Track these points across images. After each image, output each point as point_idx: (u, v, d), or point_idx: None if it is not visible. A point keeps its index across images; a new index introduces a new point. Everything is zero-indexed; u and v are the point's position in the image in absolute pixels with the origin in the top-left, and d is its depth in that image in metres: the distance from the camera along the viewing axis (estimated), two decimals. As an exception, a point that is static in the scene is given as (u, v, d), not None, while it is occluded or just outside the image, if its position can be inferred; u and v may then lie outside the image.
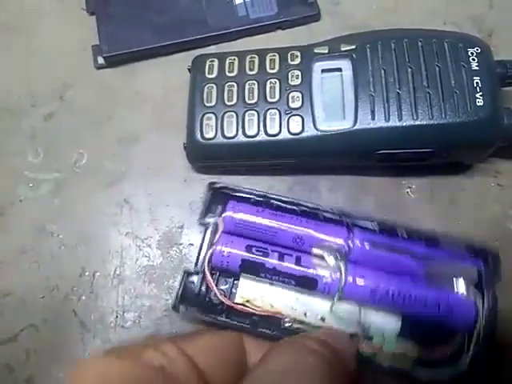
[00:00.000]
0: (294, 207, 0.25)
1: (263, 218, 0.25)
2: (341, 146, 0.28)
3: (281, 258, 0.24)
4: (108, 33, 0.33)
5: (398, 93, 0.27)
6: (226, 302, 0.24)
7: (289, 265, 0.24)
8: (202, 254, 0.25)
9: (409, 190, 0.30)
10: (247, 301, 0.24)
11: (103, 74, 0.33)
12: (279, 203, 0.25)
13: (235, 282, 0.25)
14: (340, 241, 0.24)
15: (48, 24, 0.35)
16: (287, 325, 0.23)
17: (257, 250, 0.24)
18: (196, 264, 0.25)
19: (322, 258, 0.24)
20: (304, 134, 0.28)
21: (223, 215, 0.25)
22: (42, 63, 0.34)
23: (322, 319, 0.24)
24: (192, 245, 0.29)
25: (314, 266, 0.24)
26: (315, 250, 0.24)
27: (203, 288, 0.25)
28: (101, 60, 0.33)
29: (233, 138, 0.28)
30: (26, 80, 0.33)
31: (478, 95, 0.26)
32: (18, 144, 0.32)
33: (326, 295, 0.24)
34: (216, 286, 0.24)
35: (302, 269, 0.24)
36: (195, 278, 0.24)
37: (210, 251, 0.24)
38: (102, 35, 0.33)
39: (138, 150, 0.31)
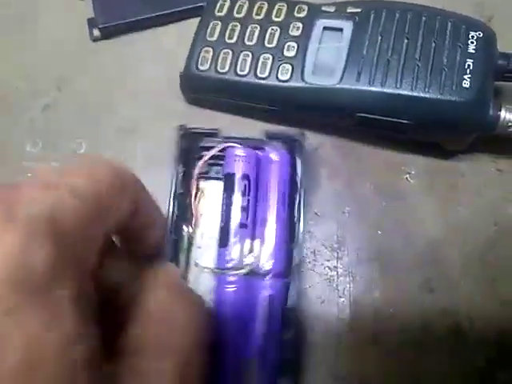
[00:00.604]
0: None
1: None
2: (323, 101, 0.28)
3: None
4: (103, 4, 0.34)
5: (388, 60, 0.27)
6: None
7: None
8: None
9: (408, 175, 0.30)
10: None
11: (102, 64, 0.34)
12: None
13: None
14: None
15: (46, 13, 0.36)
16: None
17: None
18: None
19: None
20: (290, 83, 0.29)
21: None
22: (40, 53, 0.34)
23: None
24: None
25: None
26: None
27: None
28: (96, 32, 0.34)
29: (224, 73, 0.30)
30: (24, 70, 0.34)
31: (465, 77, 0.26)
32: (16, 134, 0.32)
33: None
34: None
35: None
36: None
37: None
38: (96, 7, 0.34)
39: (137, 139, 0.31)
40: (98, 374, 0.15)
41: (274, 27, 0.30)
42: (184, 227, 0.25)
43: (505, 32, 0.29)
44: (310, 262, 0.28)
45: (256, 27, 0.30)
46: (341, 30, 0.29)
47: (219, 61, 0.30)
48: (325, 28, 0.30)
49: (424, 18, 0.28)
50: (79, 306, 0.15)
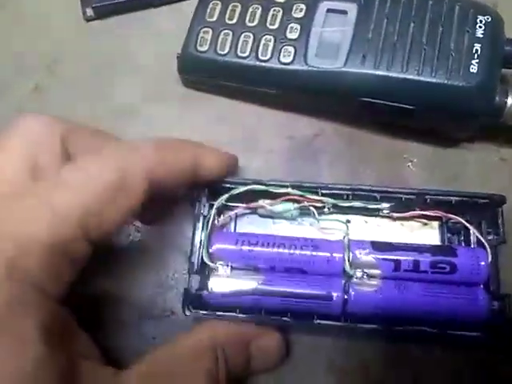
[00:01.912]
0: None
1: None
2: (326, 85, 0.27)
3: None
4: (97, -17, 0.33)
5: (395, 44, 0.26)
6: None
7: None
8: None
9: (410, 163, 0.29)
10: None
11: (95, 45, 0.33)
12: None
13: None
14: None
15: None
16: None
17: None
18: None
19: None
20: (293, 66, 0.28)
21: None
22: (29, 33, 0.33)
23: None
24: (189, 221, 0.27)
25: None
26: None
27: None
28: (90, 12, 0.33)
29: (223, 55, 0.29)
30: (11, 50, 0.33)
31: (473, 62, 0.26)
32: (2, 117, 0.29)
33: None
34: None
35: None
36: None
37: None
38: (90, -14, 0.33)
39: (133, 122, 0.30)
40: None
41: (276, 8, 0.29)
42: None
43: (510, 18, 0.28)
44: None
45: (258, 8, 0.29)
46: (345, 12, 0.28)
47: (219, 42, 0.29)
48: (328, 10, 0.28)
49: (431, 2, 0.27)
50: (47, 332, 0.16)
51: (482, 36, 0.26)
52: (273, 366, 0.24)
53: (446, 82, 0.26)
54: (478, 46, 0.26)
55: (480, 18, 0.27)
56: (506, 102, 0.26)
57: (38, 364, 0.16)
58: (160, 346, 0.22)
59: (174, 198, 0.27)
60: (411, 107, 0.26)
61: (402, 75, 0.26)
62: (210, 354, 0.21)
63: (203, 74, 0.30)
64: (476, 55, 0.26)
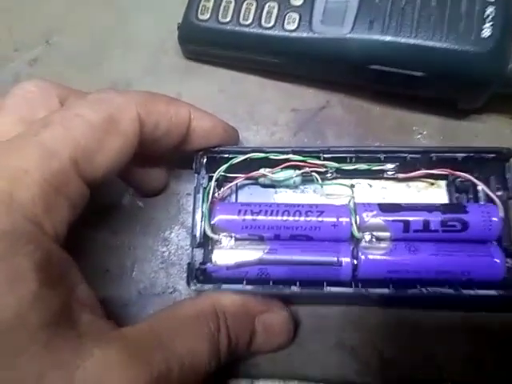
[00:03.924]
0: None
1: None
2: (333, 53, 0.26)
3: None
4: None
5: (403, 7, 0.25)
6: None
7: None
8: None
9: (420, 136, 0.28)
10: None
11: (93, 15, 0.32)
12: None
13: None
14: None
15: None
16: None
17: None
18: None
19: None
20: (297, 33, 0.27)
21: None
22: (26, 6, 0.32)
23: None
24: (189, 194, 0.27)
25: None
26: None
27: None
28: None
29: (226, 23, 0.28)
30: (8, 24, 0.32)
31: (485, 26, 0.25)
32: (1, 88, 0.29)
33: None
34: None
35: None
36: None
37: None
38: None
39: None
40: (57, 335, 0.16)
41: (278, -26, 0.28)
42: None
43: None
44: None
45: (259, -26, 0.28)
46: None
47: (221, 10, 0.28)
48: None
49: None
50: (42, 271, 0.16)
51: (493, 0, 0.25)
52: (277, 346, 0.23)
53: (456, 47, 0.24)
54: (489, 10, 0.25)
55: (490, -22, 0.26)
56: (519, 70, 0.25)
57: (28, 304, 0.15)
58: (163, 308, 0.21)
59: (168, 165, 0.26)
60: (421, 74, 0.25)
61: (410, 40, 0.25)
62: (213, 319, 0.20)
63: (205, 44, 0.29)
64: (488, 20, 0.25)
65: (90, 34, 0.31)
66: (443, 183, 0.26)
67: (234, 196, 0.26)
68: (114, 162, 0.19)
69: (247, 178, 0.25)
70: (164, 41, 0.30)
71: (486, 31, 0.25)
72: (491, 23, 0.25)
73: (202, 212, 0.23)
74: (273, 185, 0.26)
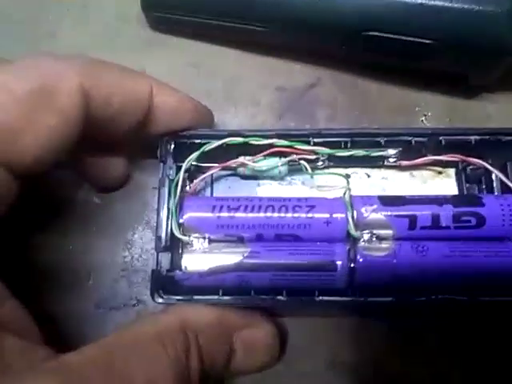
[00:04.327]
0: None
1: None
2: (322, 16, 0.23)
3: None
4: None
5: None
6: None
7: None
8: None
9: (424, 117, 0.26)
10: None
11: None
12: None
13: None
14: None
15: None
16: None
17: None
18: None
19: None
20: None
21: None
22: None
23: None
24: (156, 188, 0.23)
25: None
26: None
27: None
28: None
29: None
30: None
31: None
32: None
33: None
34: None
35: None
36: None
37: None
38: None
39: None
40: None
41: None
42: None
43: None
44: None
45: None
46: None
47: None
48: None
49: None
50: None
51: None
52: (261, 366, 0.20)
53: (471, 6, 0.21)
54: None
55: None
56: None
57: None
58: (119, 330, 0.18)
59: (130, 153, 0.23)
60: (429, 42, 0.22)
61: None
62: (180, 340, 0.17)
63: (172, 9, 0.25)
64: None
65: (40, 3, 0.27)
66: (452, 172, 0.22)
67: (208, 190, 0.22)
68: (50, 146, 0.16)
69: (224, 168, 0.21)
70: (125, 7, 0.27)
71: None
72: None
73: (169, 209, 0.20)
74: (255, 176, 0.22)
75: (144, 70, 0.25)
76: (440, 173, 0.22)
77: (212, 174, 0.22)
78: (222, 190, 0.22)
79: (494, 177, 0.21)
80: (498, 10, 0.21)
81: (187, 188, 0.21)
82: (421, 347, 0.21)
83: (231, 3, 0.24)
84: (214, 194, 0.22)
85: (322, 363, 0.21)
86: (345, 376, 0.21)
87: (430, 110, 0.25)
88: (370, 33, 0.22)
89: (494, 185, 0.21)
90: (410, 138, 0.21)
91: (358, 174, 0.22)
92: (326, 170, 0.21)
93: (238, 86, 0.26)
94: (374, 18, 0.22)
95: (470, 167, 0.22)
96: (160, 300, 0.19)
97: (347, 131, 0.21)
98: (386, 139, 0.21)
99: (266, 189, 0.22)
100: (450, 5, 0.21)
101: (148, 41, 0.26)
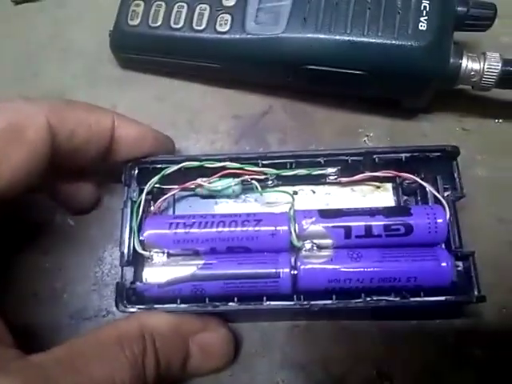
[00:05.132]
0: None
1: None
2: (268, 53, 0.25)
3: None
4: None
5: (337, 3, 0.24)
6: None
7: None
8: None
9: (366, 138, 0.27)
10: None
11: (28, 26, 0.31)
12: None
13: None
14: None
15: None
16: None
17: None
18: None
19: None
20: (230, 35, 0.26)
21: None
22: None
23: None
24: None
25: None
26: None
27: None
28: None
29: (156, 28, 0.27)
30: None
31: (421, 19, 0.24)
32: None
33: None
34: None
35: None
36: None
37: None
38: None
39: None
40: None
41: (208, -25, 0.27)
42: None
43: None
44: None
45: (189, -23, 0.27)
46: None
47: (151, 14, 0.27)
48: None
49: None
50: None
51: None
52: (217, 367, 0.22)
53: (393, 41, 0.24)
54: (426, 3, 0.24)
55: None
56: (460, 64, 0.24)
57: None
58: (83, 334, 0.20)
59: (98, 179, 0.25)
60: (360, 73, 0.24)
61: (345, 37, 0.24)
62: (137, 342, 0.19)
63: (137, 51, 0.28)
64: (424, 12, 0.24)
65: (23, 44, 0.30)
66: (390, 186, 0.24)
67: (171, 209, 0.24)
68: (21, 175, 0.18)
69: (183, 189, 0.24)
70: (100, 50, 0.29)
71: (423, 24, 0.24)
72: (427, 16, 0.24)
73: (131, 227, 0.22)
74: (212, 195, 0.24)
75: (116, 106, 0.27)
76: (378, 187, 0.24)
77: (174, 195, 0.24)
78: (183, 209, 0.24)
79: (426, 188, 0.23)
80: (417, 45, 0.23)
81: (151, 208, 0.24)
82: (368, 346, 0.23)
83: (188, 46, 0.26)
84: (176, 213, 0.24)
85: (274, 364, 0.23)
86: (296, 376, 0.22)
87: (372, 131, 0.27)
88: (309, 66, 0.25)
89: (428, 196, 0.23)
90: (346, 158, 0.23)
91: (304, 190, 0.24)
92: (275, 188, 0.23)
93: (199, 116, 0.28)
94: (311, 54, 0.25)
95: (406, 181, 0.24)
96: (123, 309, 0.21)
97: (291, 153, 0.23)
98: (325, 159, 0.23)
99: (223, 206, 0.24)
100: (374, 40, 0.24)
101: (119, 79, 0.29)
